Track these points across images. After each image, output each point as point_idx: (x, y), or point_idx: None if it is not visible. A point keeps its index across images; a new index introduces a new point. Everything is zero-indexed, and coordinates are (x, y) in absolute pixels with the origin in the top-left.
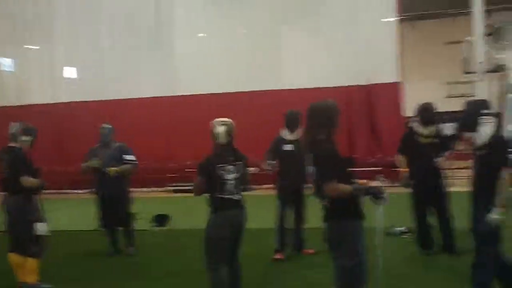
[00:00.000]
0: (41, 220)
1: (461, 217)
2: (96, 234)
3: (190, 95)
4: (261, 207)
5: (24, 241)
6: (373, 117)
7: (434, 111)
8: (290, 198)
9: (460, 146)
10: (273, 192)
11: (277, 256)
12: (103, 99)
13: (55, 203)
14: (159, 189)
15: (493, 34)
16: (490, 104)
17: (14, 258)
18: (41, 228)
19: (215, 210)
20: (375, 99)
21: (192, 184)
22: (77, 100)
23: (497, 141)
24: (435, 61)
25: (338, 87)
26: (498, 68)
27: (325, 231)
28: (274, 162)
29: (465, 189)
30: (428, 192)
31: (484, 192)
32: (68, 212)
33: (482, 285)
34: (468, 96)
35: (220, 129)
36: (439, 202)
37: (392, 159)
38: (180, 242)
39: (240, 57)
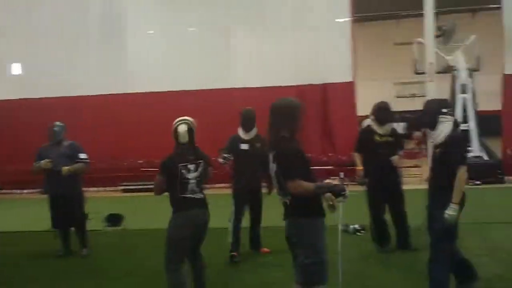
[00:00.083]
0: None
1: (413, 215)
2: (48, 234)
3: (141, 93)
4: (217, 206)
5: None
6: (326, 116)
7: (390, 110)
8: (246, 198)
9: (410, 145)
10: (228, 191)
11: (233, 254)
12: (49, 96)
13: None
14: (108, 188)
15: (442, 36)
16: (450, 104)
17: None
18: None
19: (177, 210)
20: (329, 98)
21: (142, 183)
22: (19, 97)
23: (454, 140)
24: (386, 62)
25: (291, 86)
26: (447, 69)
27: (286, 229)
28: (230, 155)
29: (416, 187)
30: (385, 190)
31: (441, 190)
32: (18, 212)
33: (438, 282)
34: (418, 97)
35: (181, 128)
36: (395, 200)
37: (345, 158)
38: (133, 241)
39: (191, 56)
